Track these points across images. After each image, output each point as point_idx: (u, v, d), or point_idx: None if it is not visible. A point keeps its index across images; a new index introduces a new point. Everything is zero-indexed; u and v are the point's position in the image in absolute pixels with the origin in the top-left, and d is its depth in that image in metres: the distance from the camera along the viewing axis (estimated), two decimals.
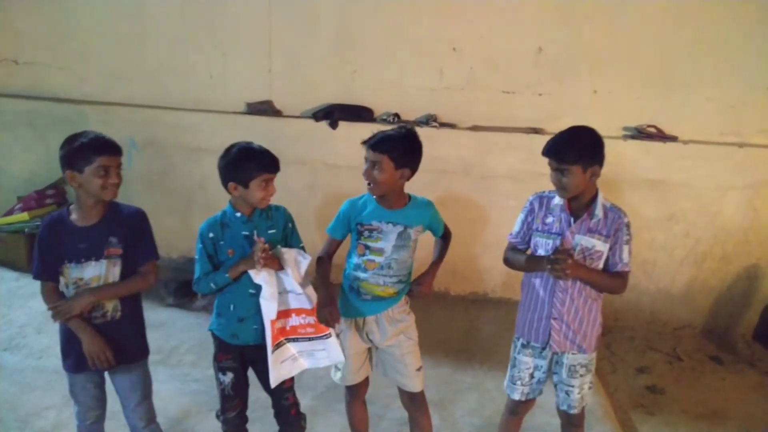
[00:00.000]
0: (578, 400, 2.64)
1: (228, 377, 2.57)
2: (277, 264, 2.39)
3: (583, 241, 2.48)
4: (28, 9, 4.98)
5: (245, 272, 2.38)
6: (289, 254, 2.41)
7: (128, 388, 2.51)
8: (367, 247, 2.57)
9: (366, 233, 2.56)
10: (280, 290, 2.40)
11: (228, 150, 2.47)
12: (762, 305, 4.84)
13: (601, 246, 2.50)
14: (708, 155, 4.61)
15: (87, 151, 2.23)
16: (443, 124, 4.75)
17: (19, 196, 5.06)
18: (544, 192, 2.64)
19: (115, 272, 2.36)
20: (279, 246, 2.44)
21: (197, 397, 3.44)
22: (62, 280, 2.33)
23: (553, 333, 2.57)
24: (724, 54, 4.50)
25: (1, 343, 3.87)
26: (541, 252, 2.57)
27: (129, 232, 2.38)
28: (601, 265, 2.53)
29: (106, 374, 2.52)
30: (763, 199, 4.67)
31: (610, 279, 2.55)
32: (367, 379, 2.79)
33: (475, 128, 4.74)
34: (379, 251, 2.56)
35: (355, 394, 2.81)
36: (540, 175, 4.66)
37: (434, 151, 4.82)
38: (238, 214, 2.45)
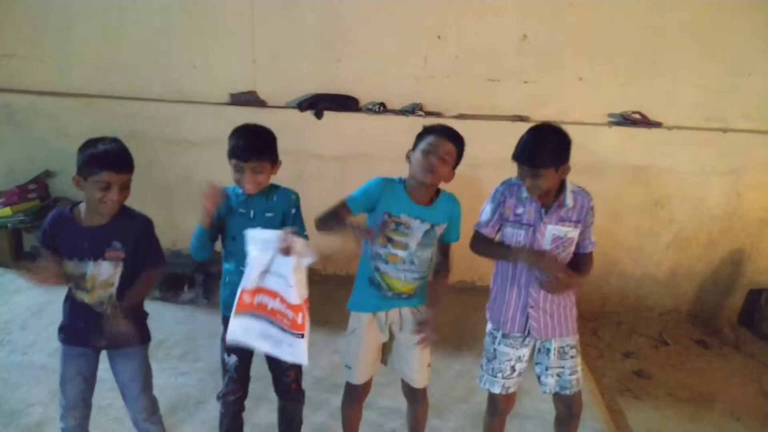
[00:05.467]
0: (573, 381, 2.62)
1: (233, 359, 2.55)
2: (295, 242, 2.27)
3: (556, 230, 2.48)
4: (7, 1, 4.89)
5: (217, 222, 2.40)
6: (302, 246, 2.28)
7: (128, 377, 2.48)
8: (390, 240, 2.46)
9: (393, 225, 2.45)
10: (269, 270, 2.30)
11: None
12: (746, 289, 4.90)
13: (573, 233, 2.51)
14: (692, 141, 4.64)
15: (93, 162, 2.20)
16: (429, 113, 4.73)
17: (0, 191, 4.99)
18: (511, 179, 2.59)
19: (115, 274, 2.35)
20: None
21: (185, 390, 3.42)
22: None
23: (532, 321, 2.56)
24: (707, 40, 4.53)
25: None
26: (511, 242, 2.56)
27: (134, 238, 2.37)
28: (572, 248, 2.54)
29: (107, 364, 2.49)
30: (746, 183, 4.71)
31: (587, 267, 2.61)
32: (371, 381, 2.71)
33: (460, 116, 4.73)
34: (404, 246, 2.47)
35: (357, 396, 2.71)
36: None
37: None
38: (239, 191, 2.46)
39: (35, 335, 3.85)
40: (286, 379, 2.63)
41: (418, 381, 2.66)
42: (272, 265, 2.29)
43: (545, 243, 2.49)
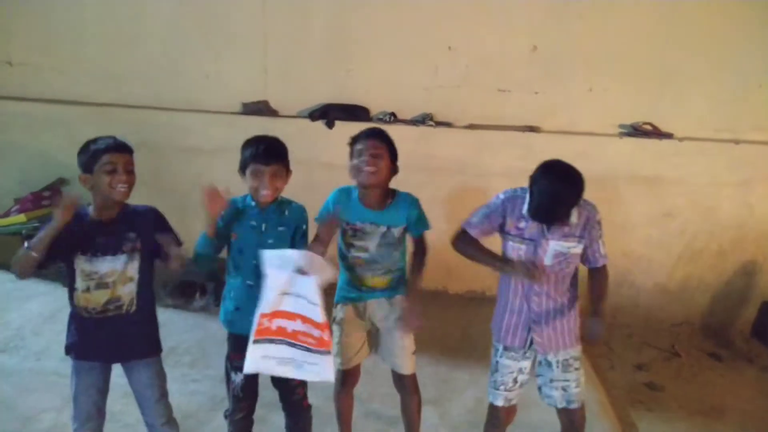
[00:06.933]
0: (577, 394, 2.60)
1: (239, 377, 2.54)
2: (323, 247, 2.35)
3: (558, 246, 2.45)
4: (22, 10, 4.97)
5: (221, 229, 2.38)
6: (316, 260, 2.31)
7: (145, 384, 2.51)
8: (351, 245, 2.62)
9: (350, 232, 2.60)
10: (288, 291, 2.30)
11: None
12: (759, 301, 4.86)
13: (576, 248, 2.48)
14: (703, 152, 4.63)
15: (95, 152, 2.30)
16: (439, 123, 4.75)
17: (15, 198, 5.05)
18: (516, 191, 2.55)
19: (133, 267, 2.40)
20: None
21: (196, 398, 3.43)
22: (76, 274, 2.33)
23: (535, 336, 2.55)
24: (717, 51, 4.52)
25: None
26: (512, 256, 2.52)
27: (146, 227, 2.42)
28: (575, 263, 2.53)
29: (121, 374, 2.51)
30: (758, 195, 4.69)
31: (604, 283, 2.59)
32: (359, 369, 2.80)
33: (470, 126, 4.74)
34: (363, 249, 2.61)
35: (347, 382, 2.78)
36: None
37: (430, 150, 4.85)
38: (253, 204, 2.46)
39: (48, 341, 3.87)
40: (296, 396, 2.62)
41: (403, 366, 2.72)
42: (291, 286, 2.29)
43: (547, 258, 2.46)
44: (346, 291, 2.69)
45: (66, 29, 4.97)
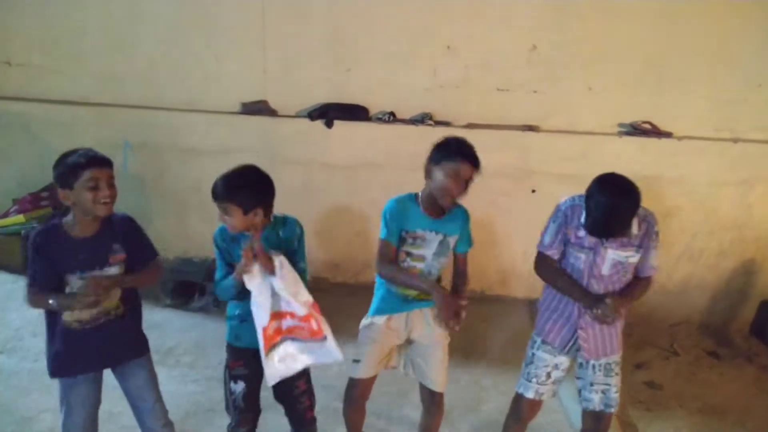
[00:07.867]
0: (616, 399, 2.60)
1: (240, 386, 2.51)
2: (270, 264, 2.29)
3: (616, 255, 2.44)
4: (22, 10, 4.95)
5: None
6: (265, 256, 2.31)
7: (142, 386, 2.50)
8: (408, 254, 2.58)
9: (410, 240, 2.56)
10: (275, 293, 2.32)
11: None
12: (758, 300, 4.87)
13: (634, 258, 2.48)
14: (703, 151, 4.63)
15: (75, 166, 2.21)
16: (438, 123, 4.74)
17: (14, 199, 5.04)
18: (575, 198, 2.53)
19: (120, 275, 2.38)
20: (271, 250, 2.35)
21: (195, 398, 3.43)
22: (68, 290, 2.28)
23: (581, 342, 2.55)
24: (717, 51, 4.52)
25: None
26: (571, 263, 2.53)
27: (126, 236, 2.39)
28: (632, 272, 2.53)
29: (113, 382, 2.50)
30: (757, 194, 4.70)
31: (642, 289, 2.58)
32: (372, 382, 2.72)
33: (470, 126, 4.73)
34: (420, 258, 2.58)
35: (358, 394, 2.70)
36: (533, 172, 4.72)
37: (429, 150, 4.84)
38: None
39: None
40: (301, 406, 2.59)
41: (438, 383, 2.69)
42: (273, 287, 2.31)
43: (605, 268, 2.46)
44: (387, 302, 2.64)
45: (65, 29, 4.95)
